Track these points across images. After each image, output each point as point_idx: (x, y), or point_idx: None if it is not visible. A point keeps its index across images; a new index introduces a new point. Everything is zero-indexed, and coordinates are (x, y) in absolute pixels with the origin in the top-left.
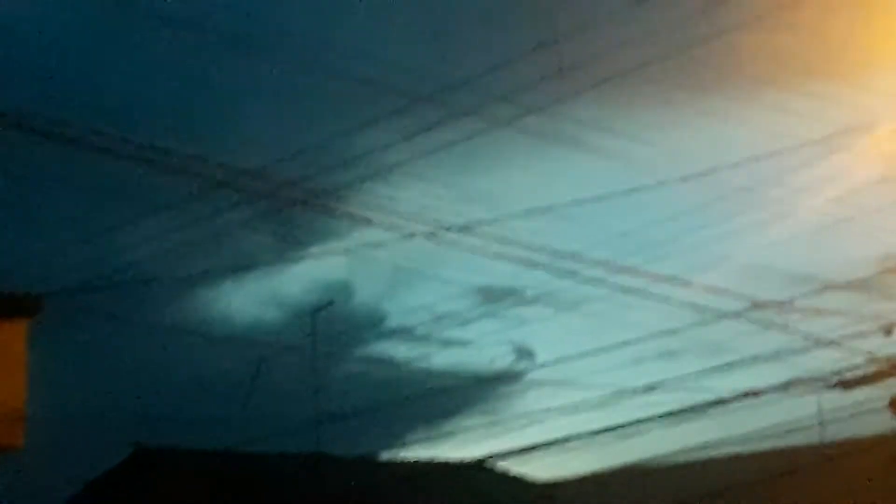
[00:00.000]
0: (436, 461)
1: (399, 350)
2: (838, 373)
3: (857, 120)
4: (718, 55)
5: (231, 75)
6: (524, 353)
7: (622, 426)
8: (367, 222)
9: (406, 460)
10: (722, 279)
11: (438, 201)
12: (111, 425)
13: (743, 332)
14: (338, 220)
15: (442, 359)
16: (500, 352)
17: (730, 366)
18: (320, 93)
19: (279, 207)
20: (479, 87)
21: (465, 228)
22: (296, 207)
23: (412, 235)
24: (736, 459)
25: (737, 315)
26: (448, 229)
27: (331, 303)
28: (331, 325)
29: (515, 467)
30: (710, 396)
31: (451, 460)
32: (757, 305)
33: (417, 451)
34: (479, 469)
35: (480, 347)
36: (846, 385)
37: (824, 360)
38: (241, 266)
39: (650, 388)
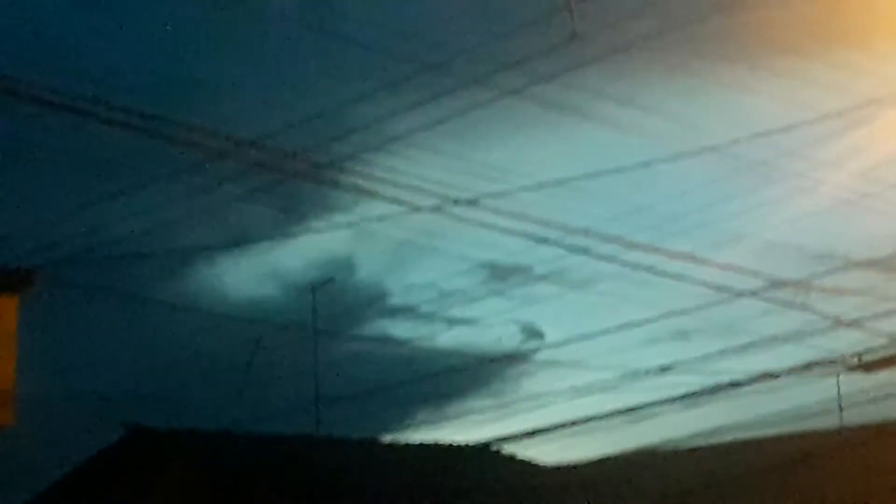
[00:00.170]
0: (440, 444)
1: (403, 329)
2: (858, 354)
3: (882, 91)
4: (737, 23)
5: (230, 41)
6: (533, 332)
7: (634, 409)
8: (371, 195)
9: (409, 443)
10: (739, 257)
11: (445, 173)
12: (104, 404)
13: (760, 311)
14: (340, 193)
15: (447, 338)
16: (508, 331)
17: (746, 347)
18: (323, 60)
19: (279, 179)
20: (488, 55)
21: (472, 202)
22: (297, 179)
23: (417, 209)
24: (752, 444)
25: (754, 294)
26: (455, 203)
27: (332, 279)
28: (332, 303)
29: (523, 451)
30: (725, 379)
31: (455, 443)
32: (775, 284)
33: (421, 434)
34: (485, 452)
35: (487, 326)
36: (867, 367)
37: (844, 342)
38: (240, 240)
39: (663, 370)
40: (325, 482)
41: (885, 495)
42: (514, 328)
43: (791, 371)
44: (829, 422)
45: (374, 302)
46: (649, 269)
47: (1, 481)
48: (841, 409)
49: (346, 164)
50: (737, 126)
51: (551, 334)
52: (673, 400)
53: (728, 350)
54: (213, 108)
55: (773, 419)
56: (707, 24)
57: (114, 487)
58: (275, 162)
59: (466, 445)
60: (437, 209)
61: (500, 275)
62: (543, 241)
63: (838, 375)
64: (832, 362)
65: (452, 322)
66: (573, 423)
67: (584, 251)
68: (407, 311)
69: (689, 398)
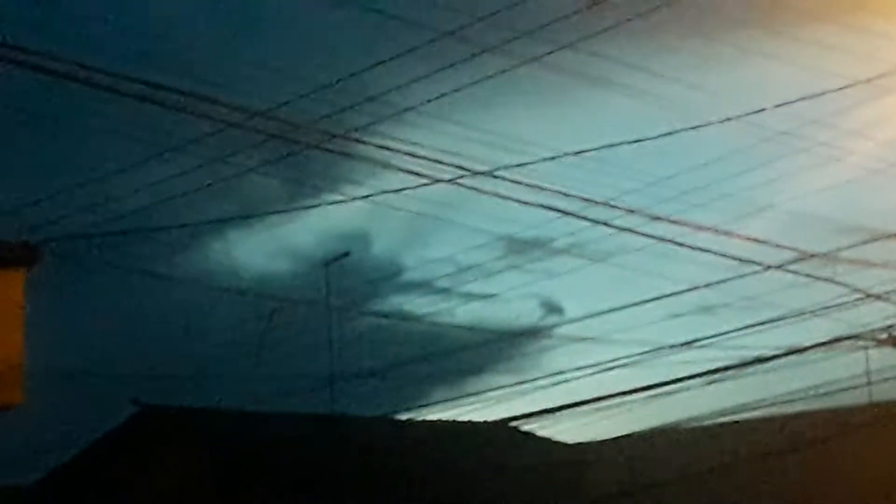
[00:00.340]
0: (458, 422)
1: (419, 304)
2: (888, 328)
3: None
4: None
5: (242, 10)
6: (552, 307)
7: (656, 386)
8: (386, 166)
9: (426, 421)
10: (764, 229)
11: (462, 144)
12: (114, 381)
13: (786, 285)
14: (355, 164)
15: (464, 314)
16: (527, 306)
17: (772, 321)
18: (337, 28)
19: (293, 150)
20: (506, 22)
21: (490, 173)
22: (310, 150)
23: (434, 181)
24: (779, 420)
25: (779, 267)
26: (473, 174)
27: (346, 254)
28: (346, 278)
29: (542, 429)
30: (750, 354)
31: (473, 421)
32: (801, 257)
33: (438, 412)
34: (503, 430)
35: (506, 301)
36: None
37: (873, 315)
38: (252, 213)
39: (687, 346)
40: (340, 462)
41: None
42: (534, 303)
43: (819, 346)
44: (858, 397)
45: (390, 277)
46: (672, 241)
47: (12, 459)
48: (870, 383)
49: (361, 134)
50: (762, 95)
51: (571, 309)
52: (697, 376)
53: (753, 325)
54: (224, 77)
55: (801, 395)
56: None
57: (124, 466)
58: (288, 133)
59: (484, 423)
60: (454, 181)
61: (519, 248)
62: (563, 213)
63: (867, 350)
64: (860, 336)
65: (470, 297)
66: (594, 401)
67: (605, 224)
68: (423, 286)
69: (714, 374)
